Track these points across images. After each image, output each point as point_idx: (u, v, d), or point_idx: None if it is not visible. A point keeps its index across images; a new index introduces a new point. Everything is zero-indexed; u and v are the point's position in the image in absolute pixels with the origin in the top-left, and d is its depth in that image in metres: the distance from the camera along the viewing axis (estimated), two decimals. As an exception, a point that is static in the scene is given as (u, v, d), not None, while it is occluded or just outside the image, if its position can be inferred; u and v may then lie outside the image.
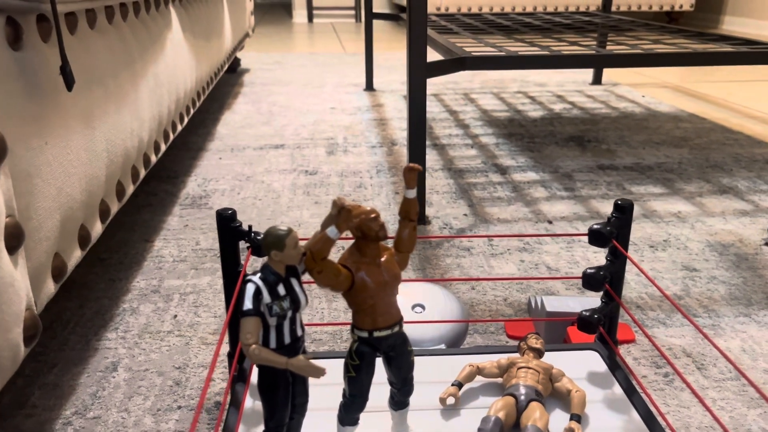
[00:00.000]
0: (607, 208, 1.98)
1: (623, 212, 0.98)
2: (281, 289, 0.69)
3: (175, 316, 1.42)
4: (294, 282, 0.70)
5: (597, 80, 3.81)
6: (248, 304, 0.67)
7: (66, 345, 1.32)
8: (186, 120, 2.12)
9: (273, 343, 0.70)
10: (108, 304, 1.47)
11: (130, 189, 1.45)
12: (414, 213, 0.78)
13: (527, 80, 3.97)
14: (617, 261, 1.00)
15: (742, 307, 1.43)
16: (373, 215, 0.73)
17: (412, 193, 0.77)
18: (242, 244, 1.01)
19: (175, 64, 1.88)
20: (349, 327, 1.38)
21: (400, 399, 0.81)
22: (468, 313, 1.38)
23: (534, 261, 1.65)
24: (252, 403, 0.95)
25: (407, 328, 1.15)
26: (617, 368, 1.00)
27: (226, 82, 3.98)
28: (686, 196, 2.07)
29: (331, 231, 0.69)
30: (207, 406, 1.14)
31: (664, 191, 2.12)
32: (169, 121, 1.82)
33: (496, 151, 2.57)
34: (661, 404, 1.13)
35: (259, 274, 0.69)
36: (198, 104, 2.38)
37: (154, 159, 1.66)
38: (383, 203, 2.04)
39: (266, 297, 0.68)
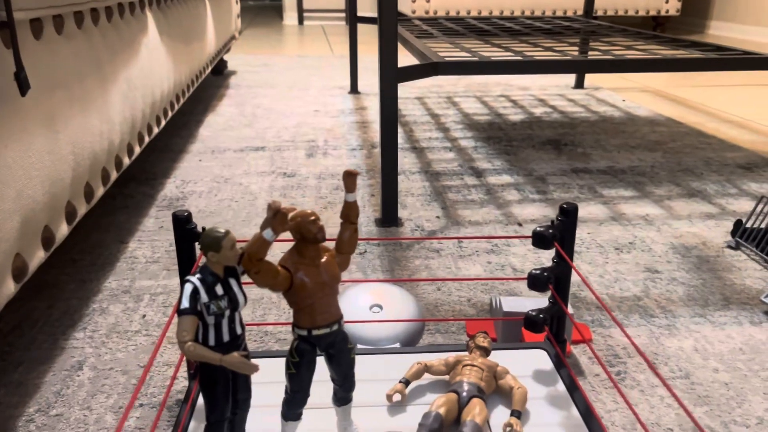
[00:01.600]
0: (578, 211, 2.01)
1: (567, 215, 1.01)
2: (219, 289, 0.72)
3: (144, 316, 1.45)
4: (233, 282, 0.73)
5: (579, 84, 3.85)
6: (185, 303, 0.69)
7: (33, 344, 1.34)
8: (163, 123, 2.14)
9: (212, 341, 0.72)
10: (77, 305, 1.50)
11: (100, 191, 1.47)
12: (354, 216, 0.80)
13: (511, 84, 4.01)
14: (562, 263, 1.03)
15: (698, 308, 1.47)
16: (311, 218, 0.76)
17: (352, 197, 0.80)
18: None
19: (151, 68, 1.91)
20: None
21: (342, 395, 0.84)
22: (424, 313, 1.41)
23: (501, 263, 1.69)
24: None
25: (365, 328, 1.18)
26: (562, 366, 1.03)
27: (212, 84, 4.00)
28: (655, 200, 2.11)
29: (267, 233, 0.71)
30: (168, 404, 1.17)
31: (634, 194, 2.15)
32: (144, 124, 1.85)
33: (474, 155, 2.60)
34: (611, 401, 1.17)
35: (197, 275, 0.72)
36: (177, 107, 2.41)
37: (127, 161, 1.68)
38: (358, 204, 2.07)
39: (203, 296, 0.70)
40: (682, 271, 1.64)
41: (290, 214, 0.74)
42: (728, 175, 2.34)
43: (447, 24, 3.26)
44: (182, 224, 0.99)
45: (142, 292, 1.55)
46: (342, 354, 0.81)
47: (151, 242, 1.82)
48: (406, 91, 3.85)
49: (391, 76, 1.78)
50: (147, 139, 1.90)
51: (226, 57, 4.90)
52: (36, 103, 1.09)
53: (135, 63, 1.73)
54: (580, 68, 2.01)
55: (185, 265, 1.01)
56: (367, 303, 1.20)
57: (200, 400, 0.97)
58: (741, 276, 1.61)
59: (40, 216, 1.11)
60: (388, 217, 1.94)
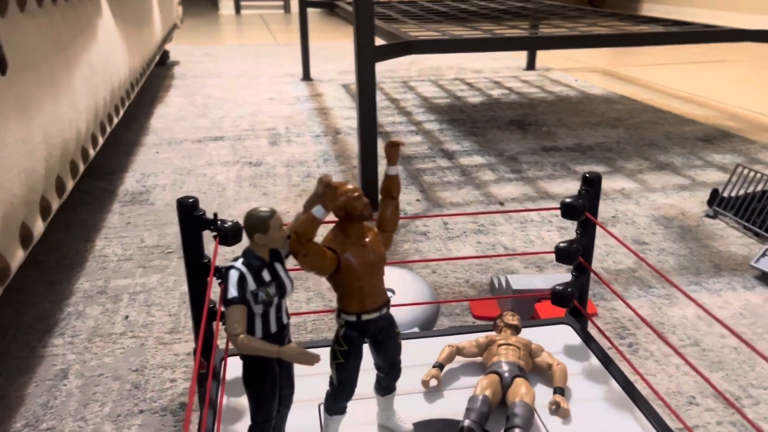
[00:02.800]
0: (554, 188, 2.02)
1: (591, 185, 0.98)
2: (266, 275, 0.65)
3: (127, 316, 1.35)
4: (278, 267, 0.67)
5: (531, 66, 3.88)
6: (233, 292, 0.62)
7: (7, 354, 1.22)
8: (122, 112, 2.01)
9: (259, 333, 0.66)
10: (50, 309, 1.38)
11: (70, 184, 1.35)
12: (397, 190, 0.75)
13: (463, 67, 4.01)
14: (587, 234, 1.00)
15: (692, 276, 1.48)
16: (356, 193, 0.70)
17: (395, 170, 0.74)
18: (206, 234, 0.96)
19: (108, 52, 1.78)
20: (307, 317, 1.34)
21: (387, 384, 0.78)
22: (436, 296, 1.37)
23: (491, 242, 1.66)
24: (227, 400, 0.90)
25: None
26: (591, 340, 1.01)
27: (156, 74, 3.82)
28: (628, 174, 2.13)
29: (318, 211, 0.65)
30: (171, 408, 1.08)
31: (606, 170, 2.17)
32: (105, 113, 1.72)
33: (441, 137, 2.57)
34: (628, 373, 1.16)
35: (241, 260, 0.64)
36: (132, 96, 2.27)
37: (92, 153, 1.56)
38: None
39: (251, 283, 0.63)
40: (668, 241, 1.66)
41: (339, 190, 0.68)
42: (690, 147, 2.40)
43: (402, 7, 3.21)
44: (189, 211, 0.91)
45: (119, 292, 1.44)
46: (390, 339, 0.75)
47: (119, 239, 1.70)
48: (359, 76, 3.78)
49: (369, 56, 1.72)
50: (108, 130, 1.77)
51: (166, 47, 4.69)
52: (8, 85, 0.98)
53: (94, 46, 1.61)
54: (555, 44, 2.00)
55: (194, 257, 0.93)
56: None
57: (228, 402, 0.90)
58: (725, 243, 1.64)
59: (19, 211, 1.00)
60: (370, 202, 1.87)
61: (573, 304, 1.01)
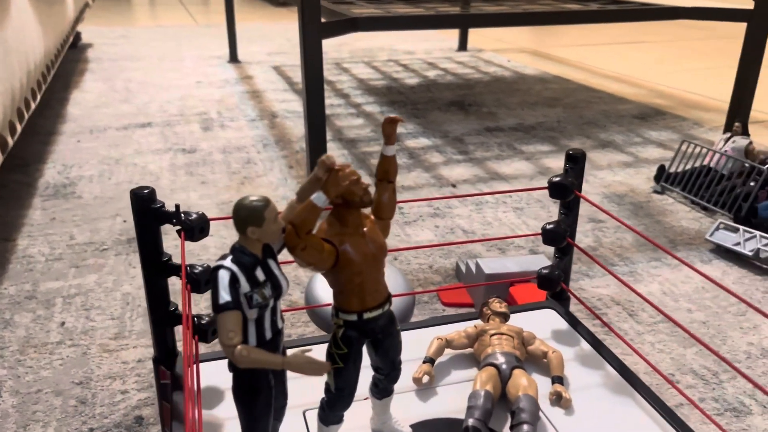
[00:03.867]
0: (503, 168, 1.99)
1: (576, 162, 0.94)
2: (260, 274, 0.56)
3: (63, 323, 1.21)
4: (272, 263, 0.58)
5: (463, 46, 3.86)
6: (225, 296, 0.53)
7: (-75, 374, 1.07)
8: (39, 97, 1.82)
9: (253, 340, 0.57)
10: (-29, 319, 1.22)
11: (-11, 177, 1.19)
12: (394, 172, 0.68)
13: (396, 49, 3.94)
14: (571, 213, 0.96)
15: (651, 252, 1.49)
16: (354, 177, 0.62)
17: (392, 150, 0.67)
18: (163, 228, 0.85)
19: (22, 30, 1.59)
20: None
21: (385, 386, 0.71)
22: (413, 284, 1.31)
23: (448, 225, 1.61)
24: (193, 414, 0.81)
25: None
26: (577, 324, 0.97)
27: (68, 58, 3.54)
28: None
29: (319, 198, 0.57)
30: (126, 424, 0.97)
31: (551, 149, 2.17)
32: (21, 98, 1.54)
33: (383, 119, 2.49)
34: (620, 355, 1.14)
35: (230, 257, 0.55)
36: (48, 79, 2.07)
37: (10, 142, 1.39)
38: (278, 179, 1.90)
39: (244, 285, 0.55)
40: (622, 218, 1.66)
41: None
42: (628, 125, 2.44)
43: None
44: (145, 203, 0.80)
45: (51, 296, 1.29)
46: (391, 338, 0.68)
47: (45, 237, 1.54)
48: (288, 58, 3.65)
49: (315, 32, 1.62)
50: (26, 116, 1.59)
51: (78, 28, 4.37)
52: None
53: (8, 21, 1.43)
54: (498, 22, 1.96)
55: (152, 254, 0.82)
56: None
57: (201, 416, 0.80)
58: (676, 218, 1.66)
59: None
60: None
61: (560, 287, 0.97)
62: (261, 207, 0.54)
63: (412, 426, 0.77)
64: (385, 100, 2.77)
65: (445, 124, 2.42)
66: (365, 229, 0.64)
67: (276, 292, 0.57)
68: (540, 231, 0.96)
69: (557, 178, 0.91)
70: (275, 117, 2.51)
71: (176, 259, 0.81)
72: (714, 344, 1.16)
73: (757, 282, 1.36)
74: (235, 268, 0.54)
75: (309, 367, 0.54)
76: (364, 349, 0.67)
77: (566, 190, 0.90)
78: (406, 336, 0.95)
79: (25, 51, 1.58)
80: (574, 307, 1.27)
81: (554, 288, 0.96)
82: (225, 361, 0.87)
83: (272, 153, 2.11)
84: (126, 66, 3.38)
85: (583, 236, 1.56)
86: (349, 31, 1.77)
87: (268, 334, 0.58)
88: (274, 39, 4.23)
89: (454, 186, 1.85)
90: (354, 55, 3.77)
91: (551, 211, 1.70)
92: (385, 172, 0.67)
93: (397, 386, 0.82)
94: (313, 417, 0.77)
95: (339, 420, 0.69)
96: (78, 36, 3.85)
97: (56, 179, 1.88)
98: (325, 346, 0.72)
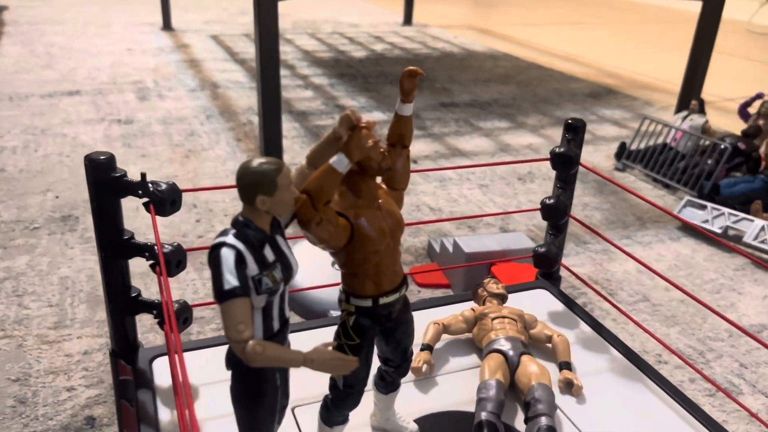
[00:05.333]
0: (463, 144, 1.93)
1: (576, 132, 0.88)
2: (269, 253, 0.46)
3: (-9, 311, 1.06)
4: (280, 240, 0.48)
5: (408, 21, 3.77)
6: (232, 281, 0.43)
7: None
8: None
9: (259, 333, 0.47)
10: None
11: None
12: (410, 136, 0.59)
13: (340, 21, 3.81)
14: (569, 187, 0.90)
15: (621, 230, 1.46)
16: (371, 141, 0.52)
17: (410, 109, 0.58)
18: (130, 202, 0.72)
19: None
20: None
21: (393, 379, 0.63)
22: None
23: (414, 203, 1.53)
24: (170, 415, 0.70)
25: (326, 293, 0.96)
26: (573, 304, 0.92)
27: (-21, 19, 3.23)
28: (531, 129, 2.10)
29: (340, 162, 0.47)
30: (75, 425, 0.85)
31: (509, 125, 2.12)
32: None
33: (333, 92, 2.38)
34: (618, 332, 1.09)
35: (232, 232, 0.45)
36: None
37: None
38: (226, 152, 1.76)
39: (252, 266, 0.44)
40: (588, 196, 1.63)
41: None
42: (581, 103, 2.43)
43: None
44: (104, 171, 0.67)
45: (-25, 281, 1.14)
46: (405, 325, 0.59)
47: (-36, 214, 1.36)
48: (227, 27, 3.45)
49: (272, -7, 1.49)
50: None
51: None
52: None
53: None
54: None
55: (110, 231, 0.70)
56: (325, 260, 0.97)
57: (165, 417, 0.69)
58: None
59: None
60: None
61: (558, 264, 0.91)
62: (273, 171, 0.44)
63: (416, 420, 0.69)
64: (333, 72, 2.66)
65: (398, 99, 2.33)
66: (381, 201, 0.55)
67: (287, 274, 0.47)
68: (539, 206, 0.89)
69: (561, 149, 0.85)
70: (217, 87, 2.35)
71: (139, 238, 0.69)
72: (695, 323, 1.14)
73: (726, 259, 1.35)
74: (240, 245, 0.44)
75: (335, 364, 0.45)
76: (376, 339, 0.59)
77: (570, 161, 0.84)
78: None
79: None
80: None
81: (552, 266, 0.90)
82: (199, 353, 0.78)
83: (217, 125, 1.97)
84: (46, 30, 3.11)
85: (552, 214, 1.52)
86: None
87: (276, 325, 0.48)
88: (211, 8, 4.01)
89: (414, 162, 1.78)
90: (297, 26, 3.61)
91: (516, 188, 1.65)
92: (401, 136, 0.58)
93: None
94: (303, 414, 0.68)
95: (344, 420, 0.60)
96: (-9, -4, 3.51)
97: (-27, 150, 1.68)
98: (305, 334, 0.63)
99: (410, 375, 0.76)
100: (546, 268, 0.89)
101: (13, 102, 2.07)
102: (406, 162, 0.58)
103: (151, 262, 0.68)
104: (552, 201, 0.86)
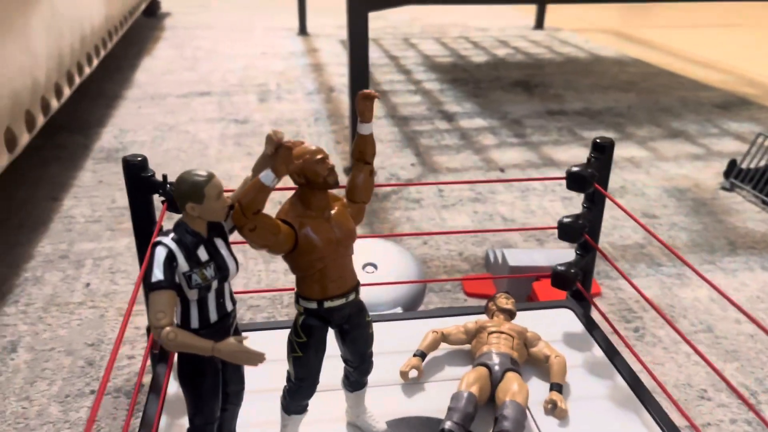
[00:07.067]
0: (559, 154, 1.88)
1: (603, 152, 0.86)
2: (203, 253, 0.53)
3: (88, 284, 1.24)
4: (219, 243, 0.55)
5: (539, 25, 3.70)
6: (158, 274, 0.50)
7: (-48, 324, 1.12)
8: (95, 62, 1.87)
9: (195, 322, 0.54)
10: (6, 273, 1.27)
11: (25, 138, 1.23)
12: (371, 153, 0.62)
13: (468, 25, 3.82)
14: (595, 208, 0.88)
15: (706, 254, 1.36)
16: (319, 156, 0.57)
17: (369, 128, 0.62)
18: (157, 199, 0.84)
19: (78, -5, 1.63)
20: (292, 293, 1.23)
21: (356, 379, 0.67)
22: (424, 272, 1.25)
23: (488, 211, 1.54)
24: (176, 388, 0.80)
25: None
26: (594, 327, 0.89)
27: (146, 26, 3.65)
28: (638, 141, 2.00)
29: (266, 176, 0.53)
30: (126, 389, 0.98)
31: (615, 136, 2.03)
32: (73, 62, 1.58)
33: (441, 97, 2.42)
34: (633, 362, 1.05)
35: (172, 234, 0.52)
36: (110, 45, 2.12)
37: (55, 104, 1.43)
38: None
39: (182, 264, 0.52)
40: (680, 215, 1.53)
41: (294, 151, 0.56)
42: (707, 114, 2.25)
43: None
44: (136, 171, 0.79)
45: (82, 257, 1.33)
46: (359, 330, 0.64)
47: (89, 199, 1.58)
48: (359, 32, 3.60)
49: (361, 3, 1.57)
50: (77, 80, 1.63)
51: (158, -3, 4.49)
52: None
53: (59, -14, 1.46)
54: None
55: (142, 222, 0.81)
56: (359, 261, 1.03)
57: (171, 389, 0.79)
58: (742, 219, 1.52)
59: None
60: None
61: (576, 287, 0.89)
62: (202, 182, 0.51)
63: (388, 423, 0.73)
64: (447, 77, 2.69)
65: (505, 105, 2.32)
66: (332, 212, 0.60)
67: (221, 273, 0.54)
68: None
69: (577, 168, 0.83)
70: (332, 91, 2.48)
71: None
72: (759, 361, 1.05)
73: (823, 295, 1.22)
74: (173, 245, 0.51)
75: (240, 356, 0.51)
76: (331, 338, 0.64)
77: (585, 182, 0.82)
78: (407, 325, 0.91)
79: (80, 17, 1.61)
80: (608, 308, 1.18)
81: (569, 287, 0.88)
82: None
83: (322, 128, 2.09)
84: (198, 35, 3.45)
85: (633, 232, 1.45)
86: (402, 3, 1.70)
87: (213, 317, 0.55)
88: (345, 12, 4.19)
89: (502, 170, 1.77)
90: (425, 30, 3.68)
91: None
92: (361, 153, 0.62)
93: (381, 378, 0.78)
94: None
95: (302, 410, 0.65)
96: (157, 4, 3.95)
97: (111, 143, 1.94)
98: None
99: (398, 378, 0.80)
100: (563, 288, 0.88)
101: (153, 101, 2.34)
102: (369, 177, 0.63)
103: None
104: (569, 220, 0.85)
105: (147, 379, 0.99)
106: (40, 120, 1.29)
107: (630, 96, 2.44)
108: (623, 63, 2.95)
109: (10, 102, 1.11)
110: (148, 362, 0.97)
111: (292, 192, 0.60)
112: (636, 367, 1.01)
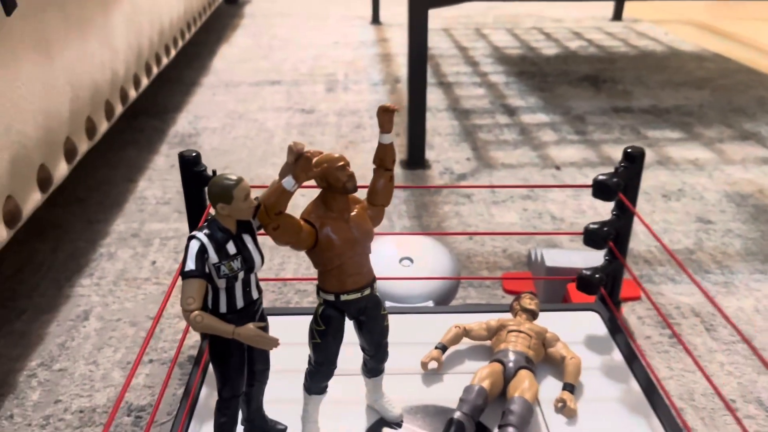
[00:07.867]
0: (619, 153, 1.86)
1: (633, 161, 0.87)
2: (231, 248, 0.60)
3: (154, 262, 1.35)
4: (247, 239, 0.61)
5: (617, 16, 3.60)
6: (191, 264, 0.58)
7: (36, 291, 1.25)
8: (173, 53, 1.99)
9: (223, 307, 0.61)
10: (84, 248, 1.40)
11: (104, 126, 1.35)
12: (391, 161, 0.68)
13: (543, 15, 3.76)
14: (624, 216, 0.90)
15: (759, 264, 1.34)
16: (340, 163, 0.63)
17: (389, 138, 0.67)
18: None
19: (158, -9, 1.75)
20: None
21: (373, 366, 0.73)
22: (459, 268, 1.29)
23: (538, 210, 1.55)
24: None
25: (394, 284, 1.07)
26: (618, 332, 0.91)
27: (226, 13, 3.80)
28: (705, 142, 1.94)
29: (288, 182, 0.59)
30: (179, 360, 1.08)
31: (681, 136, 1.99)
32: (151, 53, 1.70)
33: (506, 91, 2.42)
34: (665, 368, 1.06)
35: (205, 230, 0.60)
36: (188, 36, 2.25)
37: (133, 94, 1.55)
38: (382, 144, 1.93)
39: (213, 256, 0.59)
40: (738, 221, 1.50)
41: (315, 159, 0.62)
42: (784, 116, 2.16)
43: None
44: (190, 166, 0.87)
45: (151, 236, 1.45)
46: (374, 321, 0.69)
47: (161, 182, 1.71)
48: (432, 21, 3.62)
49: (422, 1, 1.60)
50: (155, 70, 1.76)
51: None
52: (25, 23, 0.96)
53: (140, -16, 1.57)
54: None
55: (194, 214, 0.89)
56: (396, 255, 1.08)
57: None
58: (804, 228, 1.47)
59: (34, 153, 1.00)
60: (415, 158, 1.80)
61: (600, 292, 0.91)
62: (231, 186, 0.58)
63: (404, 408, 0.78)
64: (514, 70, 2.68)
65: (570, 100, 2.30)
66: (352, 214, 0.65)
67: (247, 266, 0.61)
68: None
69: (603, 177, 0.85)
70: (398, 82, 2.53)
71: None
72: (797, 377, 1.03)
73: None
74: (205, 239, 0.59)
75: (257, 340, 0.58)
76: (349, 327, 0.69)
77: (610, 192, 0.84)
78: (435, 318, 0.96)
79: (159, 11, 1.73)
80: (645, 312, 1.19)
81: (593, 292, 0.90)
82: (279, 318, 0.95)
83: (384, 118, 2.14)
84: (275, 23, 3.57)
85: (684, 237, 1.43)
86: (461, 0, 1.73)
87: (240, 303, 0.62)
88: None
89: (557, 168, 1.77)
90: (498, 21, 3.66)
91: (656, 206, 1.57)
92: (381, 160, 0.67)
93: (402, 367, 0.84)
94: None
95: (322, 391, 0.72)
96: (238, -8, 4.10)
97: (185, 129, 2.07)
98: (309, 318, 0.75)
99: (419, 368, 0.85)
100: (587, 292, 0.90)
101: (227, 89, 2.46)
102: (388, 182, 0.68)
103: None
104: (594, 227, 0.87)
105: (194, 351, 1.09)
106: (119, 109, 1.41)
107: (703, 93, 2.36)
108: (702, 58, 2.84)
109: (90, 93, 1.22)
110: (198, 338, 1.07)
111: (317, 190, 0.66)
112: (661, 374, 1.03)
